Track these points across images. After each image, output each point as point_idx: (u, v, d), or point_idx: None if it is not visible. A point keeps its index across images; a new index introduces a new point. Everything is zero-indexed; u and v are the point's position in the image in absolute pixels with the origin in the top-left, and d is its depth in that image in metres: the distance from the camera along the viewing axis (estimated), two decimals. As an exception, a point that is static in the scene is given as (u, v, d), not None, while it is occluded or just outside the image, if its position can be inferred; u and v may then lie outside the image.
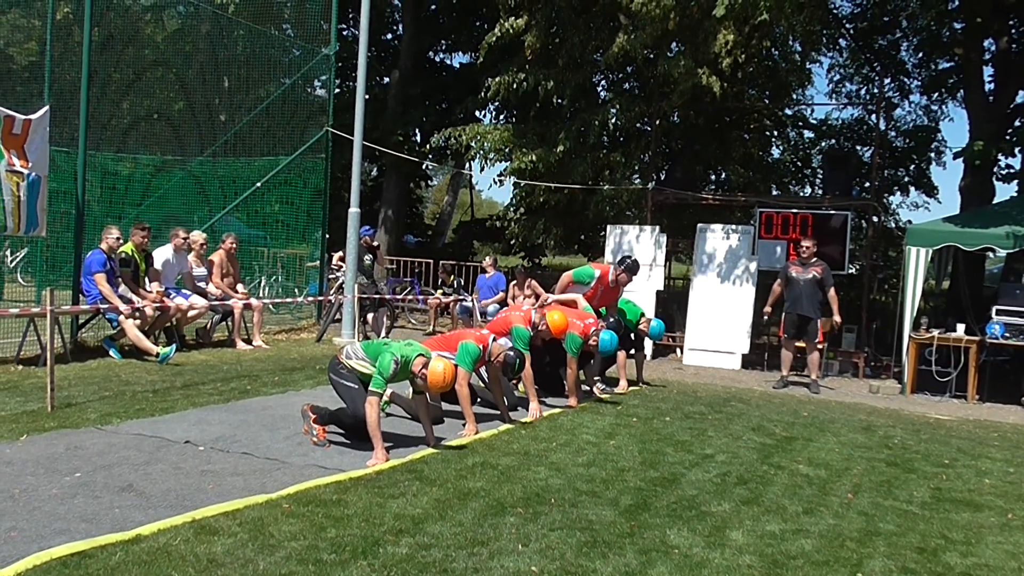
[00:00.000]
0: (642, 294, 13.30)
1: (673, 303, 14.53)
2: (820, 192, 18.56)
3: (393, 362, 5.99)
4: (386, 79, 22.28)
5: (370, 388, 5.97)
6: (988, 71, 16.91)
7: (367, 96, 13.47)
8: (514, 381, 8.23)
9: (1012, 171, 17.15)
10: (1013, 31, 16.52)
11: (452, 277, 15.42)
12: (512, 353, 7.43)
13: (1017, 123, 17.37)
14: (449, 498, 5.12)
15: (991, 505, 5.84)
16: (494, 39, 14.49)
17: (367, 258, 13.29)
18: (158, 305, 9.88)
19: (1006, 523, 5.45)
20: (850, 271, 14.56)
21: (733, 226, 13.92)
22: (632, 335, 10.06)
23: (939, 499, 5.91)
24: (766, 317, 11.53)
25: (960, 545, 4.94)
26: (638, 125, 16.23)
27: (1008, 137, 16.18)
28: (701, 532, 4.84)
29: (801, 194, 19.85)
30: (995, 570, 4.58)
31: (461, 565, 4.09)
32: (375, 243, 14.36)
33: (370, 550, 4.18)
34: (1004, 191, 21.91)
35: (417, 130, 21.63)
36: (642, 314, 10.28)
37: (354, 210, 12.47)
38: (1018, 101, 17.32)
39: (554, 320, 8.24)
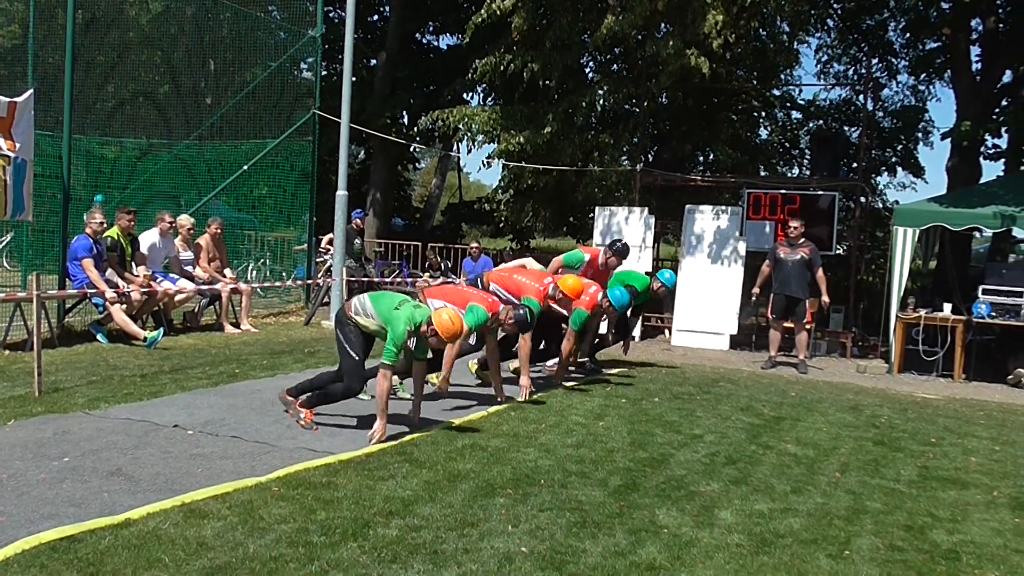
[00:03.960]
0: (631, 276, 13.32)
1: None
2: (808, 173, 18.57)
3: (407, 333, 5.94)
4: (373, 61, 22.16)
5: (383, 360, 5.90)
6: (975, 51, 16.95)
7: (354, 78, 13.37)
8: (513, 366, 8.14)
9: (999, 151, 17.17)
10: (1000, 11, 16.51)
11: (440, 260, 15.41)
12: (522, 311, 7.31)
13: (1004, 103, 17.40)
14: (439, 480, 5.13)
15: (977, 483, 5.89)
16: (481, 20, 14.40)
17: (356, 241, 13.25)
18: (145, 289, 9.82)
19: (992, 500, 5.49)
20: (838, 251, 14.58)
21: (721, 207, 13.91)
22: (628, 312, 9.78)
23: (926, 477, 5.95)
24: (755, 299, 11.54)
25: (946, 523, 4.98)
26: (626, 107, 16.20)
27: (995, 117, 16.21)
28: (690, 512, 4.86)
29: (789, 175, 19.90)
30: (981, 547, 4.61)
31: (451, 546, 4.10)
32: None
33: (360, 532, 4.19)
34: (991, 171, 21.99)
35: (404, 112, 21.54)
36: (649, 279, 9.87)
37: (342, 193, 12.41)
38: (1005, 81, 17.35)
39: (568, 284, 8.15)
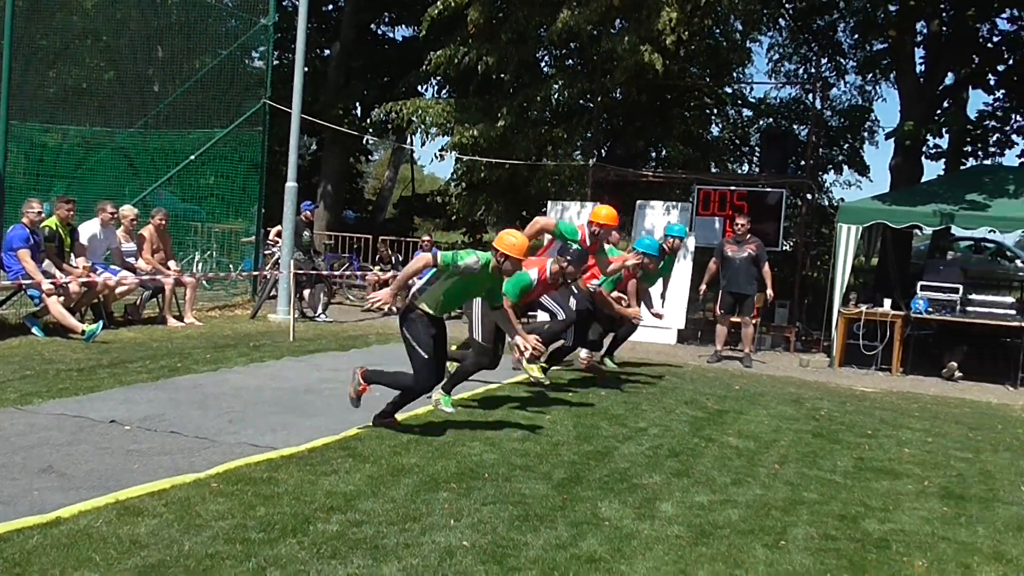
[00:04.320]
0: (581, 270, 13.36)
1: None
2: (757, 170, 18.82)
3: (476, 261, 5.83)
4: (327, 51, 21.94)
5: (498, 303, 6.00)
6: (920, 53, 17.29)
7: (306, 68, 13.25)
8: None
9: (940, 151, 17.56)
10: (944, 14, 16.86)
11: (391, 253, 15.34)
12: (566, 262, 7.04)
13: (946, 104, 17.80)
14: (382, 474, 5.11)
15: (909, 473, 6.03)
16: (437, 12, 14.34)
17: (305, 234, 13.14)
18: (84, 281, 9.64)
19: (922, 490, 5.63)
20: (784, 248, 14.80)
21: (672, 203, 14.04)
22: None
23: (861, 468, 6.08)
24: (702, 295, 11.67)
25: (879, 512, 5.10)
26: (581, 101, 16.25)
27: (936, 118, 16.56)
28: (632, 504, 4.90)
29: (739, 172, 20.12)
30: (910, 535, 4.72)
31: (392, 541, 4.09)
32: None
33: (300, 528, 4.16)
34: (933, 170, 22.45)
35: (358, 104, 21.36)
36: (660, 242, 9.12)
37: (291, 184, 12.29)
38: (947, 83, 17.73)
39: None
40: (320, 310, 12.65)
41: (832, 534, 4.65)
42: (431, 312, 5.96)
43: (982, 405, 9.24)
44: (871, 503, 5.26)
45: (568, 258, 7.08)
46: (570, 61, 17.50)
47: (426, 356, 5.92)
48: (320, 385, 7.70)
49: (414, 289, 6.11)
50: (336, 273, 15.10)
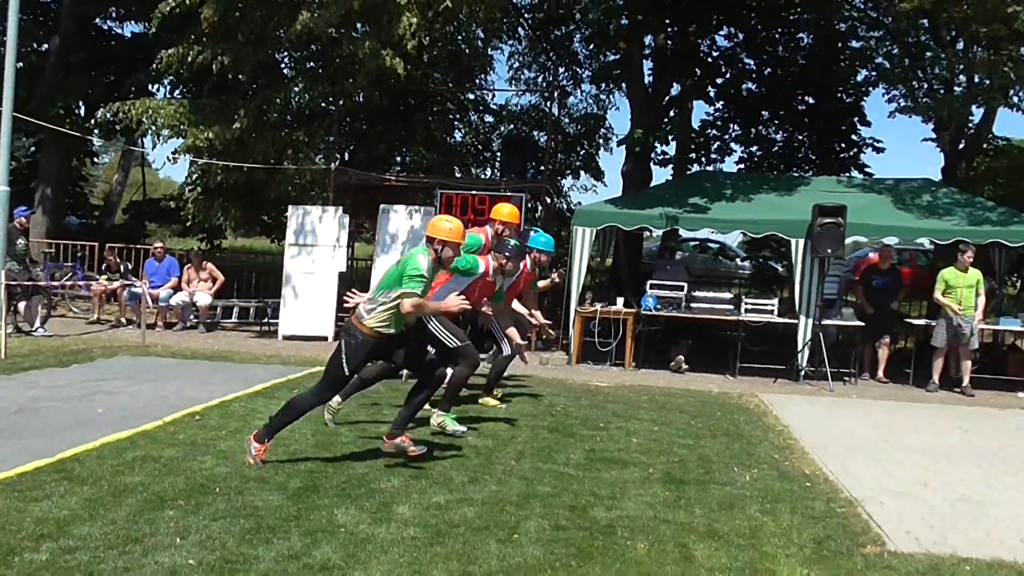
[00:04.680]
0: (324, 276, 13.21)
1: (356, 285, 14.52)
2: (498, 175, 19.38)
3: (423, 262, 5.63)
4: (45, 45, 20.17)
5: (404, 290, 5.56)
6: (648, 65, 18.58)
7: (20, 63, 12.10)
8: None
9: (667, 157, 18.94)
10: (669, 29, 18.21)
11: (119, 261, 14.39)
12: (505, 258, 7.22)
13: (672, 114, 19.24)
14: (102, 496, 4.82)
15: (636, 462, 6.44)
16: (169, 9, 13.59)
17: (20, 242, 12.07)
18: None
19: (647, 477, 6.03)
20: (527, 250, 15.25)
21: (415, 207, 14.15)
22: None
23: (592, 459, 6.42)
24: None
25: (607, 500, 5.41)
26: (323, 104, 16.00)
27: (664, 126, 17.86)
28: (368, 509, 4.91)
29: (482, 176, 20.63)
30: (634, 520, 5.05)
31: (110, 566, 3.88)
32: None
33: (3, 560, 3.85)
34: (661, 175, 24.11)
35: (81, 103, 19.81)
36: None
37: (2, 189, 11.23)
38: (673, 94, 19.18)
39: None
40: (38, 323, 11.69)
41: (563, 524, 4.88)
42: (383, 331, 5.70)
43: (704, 394, 10.02)
44: (600, 492, 5.57)
45: (506, 254, 7.30)
46: (311, 63, 17.21)
47: (347, 373, 5.78)
48: (34, 404, 7.17)
49: (361, 310, 5.79)
50: (56, 284, 13.97)
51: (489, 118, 22.38)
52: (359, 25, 14.31)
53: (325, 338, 12.71)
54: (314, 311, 13.11)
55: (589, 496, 5.47)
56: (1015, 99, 16.64)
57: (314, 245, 13.49)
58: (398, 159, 19.73)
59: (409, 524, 4.70)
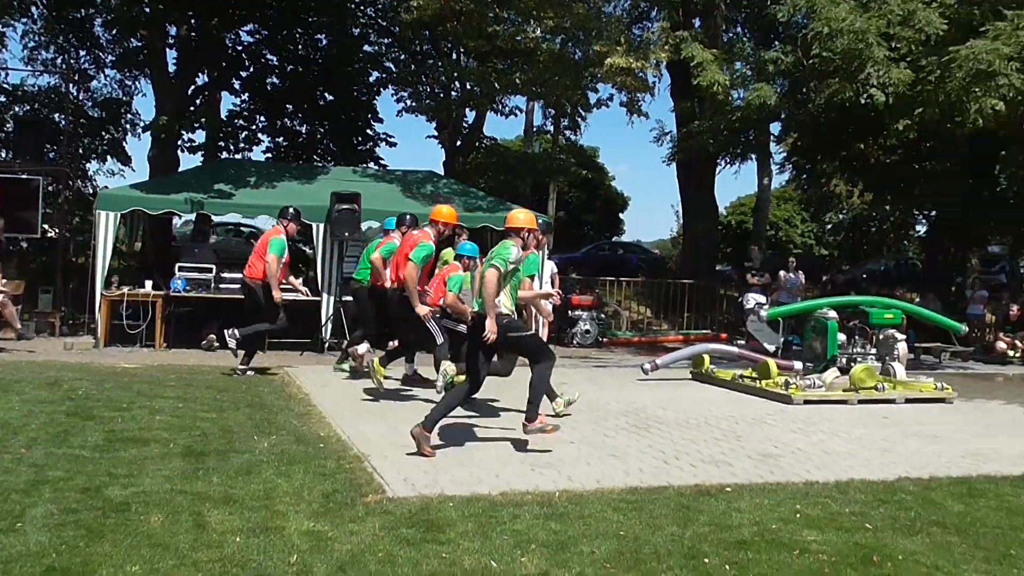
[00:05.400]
0: None
1: None
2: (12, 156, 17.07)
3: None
4: None
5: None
6: (172, 54, 17.57)
7: None
8: None
9: (195, 144, 18.10)
10: (192, 20, 17.36)
11: None
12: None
13: (199, 102, 18.43)
14: None
15: (158, 439, 6.14)
16: None
17: None
18: None
19: (167, 452, 5.79)
20: (49, 235, 13.89)
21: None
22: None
23: (111, 440, 6.01)
24: None
25: (123, 478, 5.09)
26: None
27: (190, 115, 17.06)
28: None
29: (-2, 158, 17.97)
30: (151, 494, 4.81)
31: None
32: None
33: None
34: (190, 162, 22.96)
35: None
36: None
37: None
38: (199, 83, 18.37)
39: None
40: None
41: (74, 507, 4.52)
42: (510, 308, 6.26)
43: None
44: (116, 471, 5.23)
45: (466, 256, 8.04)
46: None
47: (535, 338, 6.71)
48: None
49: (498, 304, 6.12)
50: None
51: (2, 98, 19.48)
52: None
53: None
54: None
55: (104, 476, 5.11)
56: (500, 105, 18.93)
57: None
58: None
59: None
